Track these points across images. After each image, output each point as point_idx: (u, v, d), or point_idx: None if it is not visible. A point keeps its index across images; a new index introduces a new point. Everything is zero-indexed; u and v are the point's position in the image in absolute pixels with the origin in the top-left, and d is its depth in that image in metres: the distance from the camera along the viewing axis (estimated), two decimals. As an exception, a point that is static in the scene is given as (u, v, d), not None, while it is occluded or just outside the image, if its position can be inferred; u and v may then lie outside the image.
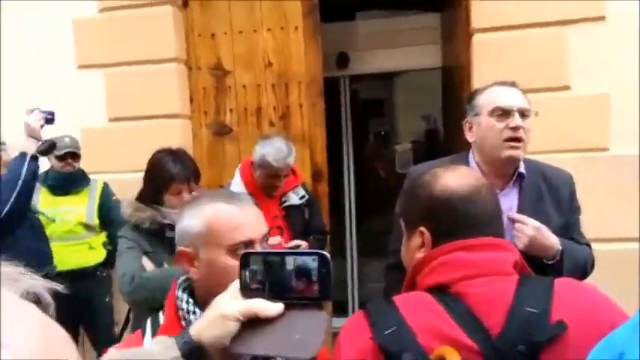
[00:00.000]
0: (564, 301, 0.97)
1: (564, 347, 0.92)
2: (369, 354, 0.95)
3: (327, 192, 3.51)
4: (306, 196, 2.69)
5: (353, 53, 4.53)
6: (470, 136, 1.82)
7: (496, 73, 2.04)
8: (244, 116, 3.48)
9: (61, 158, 3.16)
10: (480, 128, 1.77)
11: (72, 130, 3.31)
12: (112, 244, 3.13)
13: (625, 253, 2.78)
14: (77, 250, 3.19)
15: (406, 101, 7.83)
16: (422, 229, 1.09)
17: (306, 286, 0.79)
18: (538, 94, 2.85)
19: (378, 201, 5.48)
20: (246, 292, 0.81)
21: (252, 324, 0.79)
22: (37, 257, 2.61)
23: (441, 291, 1.01)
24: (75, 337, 3.35)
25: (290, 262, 0.79)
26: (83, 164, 3.32)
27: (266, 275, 0.80)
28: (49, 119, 2.43)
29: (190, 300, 1.07)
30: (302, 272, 0.79)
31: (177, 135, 3.38)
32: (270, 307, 0.79)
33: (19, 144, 2.40)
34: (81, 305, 3.07)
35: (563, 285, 1.02)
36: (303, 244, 2.56)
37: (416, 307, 1.00)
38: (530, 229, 1.63)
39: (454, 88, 3.62)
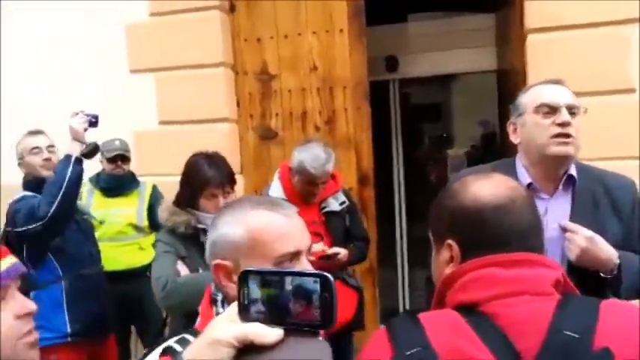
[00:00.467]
0: (611, 326, 0.88)
1: None
2: None
3: (374, 197, 3.44)
4: (347, 202, 2.62)
5: (403, 56, 4.44)
6: (515, 138, 1.71)
7: (552, 76, 1.88)
8: (289, 120, 3.47)
9: (111, 161, 3.25)
10: (524, 128, 1.66)
11: (124, 133, 3.40)
12: (160, 246, 3.18)
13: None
14: (127, 250, 3.27)
15: (461, 105, 7.65)
16: (450, 242, 1.02)
17: (306, 310, 0.72)
18: (599, 97, 2.69)
19: (429, 207, 5.32)
20: (245, 314, 0.75)
21: (249, 351, 0.73)
22: (85, 259, 2.67)
23: (470, 310, 0.94)
24: (127, 336, 3.43)
25: (289, 282, 0.73)
26: (135, 166, 3.41)
27: (265, 297, 0.74)
28: (93, 122, 2.47)
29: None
30: (301, 294, 0.72)
31: (224, 139, 3.42)
32: (268, 334, 0.72)
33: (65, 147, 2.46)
34: (132, 305, 3.15)
35: (610, 307, 0.92)
36: (343, 251, 2.49)
37: (442, 327, 0.92)
38: (582, 240, 1.50)
39: (509, 91, 3.47)
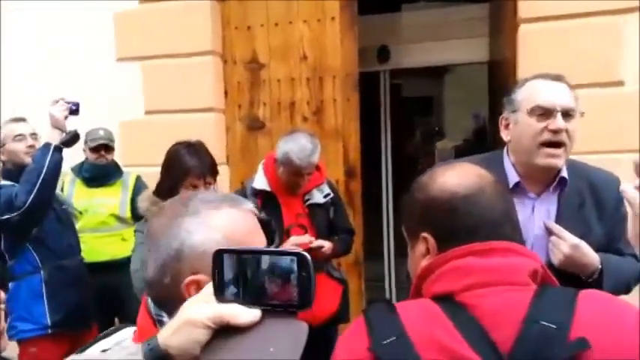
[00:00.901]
0: (588, 316, 0.86)
1: None
2: None
3: (361, 190, 3.40)
4: (331, 194, 2.58)
5: (395, 46, 4.38)
6: (505, 134, 1.65)
7: (543, 67, 1.84)
8: (277, 110, 3.43)
9: (94, 150, 3.19)
10: (516, 127, 1.60)
11: (110, 122, 3.34)
12: (143, 237, 3.14)
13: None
14: (109, 241, 3.22)
15: (453, 97, 7.57)
16: (425, 235, 1.00)
17: (282, 290, 0.70)
18: (589, 90, 2.66)
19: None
20: (220, 295, 0.72)
21: (225, 332, 0.70)
22: (65, 249, 2.62)
23: (447, 300, 0.92)
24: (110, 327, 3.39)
25: (265, 262, 0.70)
26: (120, 156, 3.35)
27: (241, 276, 0.72)
28: (74, 110, 2.42)
29: None
30: (277, 273, 0.70)
31: (210, 129, 3.37)
32: (244, 314, 0.69)
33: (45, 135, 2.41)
34: (115, 296, 3.09)
35: (588, 298, 0.90)
36: (327, 244, 2.45)
37: (419, 317, 0.91)
38: (567, 248, 1.49)
39: (500, 83, 3.44)
